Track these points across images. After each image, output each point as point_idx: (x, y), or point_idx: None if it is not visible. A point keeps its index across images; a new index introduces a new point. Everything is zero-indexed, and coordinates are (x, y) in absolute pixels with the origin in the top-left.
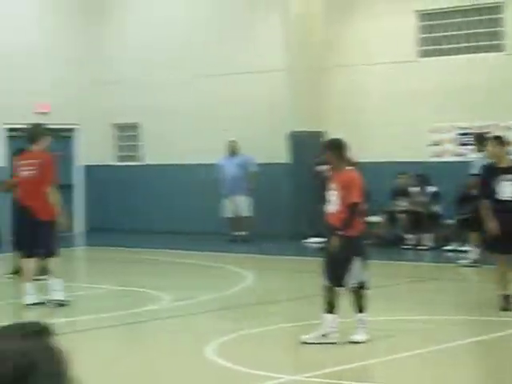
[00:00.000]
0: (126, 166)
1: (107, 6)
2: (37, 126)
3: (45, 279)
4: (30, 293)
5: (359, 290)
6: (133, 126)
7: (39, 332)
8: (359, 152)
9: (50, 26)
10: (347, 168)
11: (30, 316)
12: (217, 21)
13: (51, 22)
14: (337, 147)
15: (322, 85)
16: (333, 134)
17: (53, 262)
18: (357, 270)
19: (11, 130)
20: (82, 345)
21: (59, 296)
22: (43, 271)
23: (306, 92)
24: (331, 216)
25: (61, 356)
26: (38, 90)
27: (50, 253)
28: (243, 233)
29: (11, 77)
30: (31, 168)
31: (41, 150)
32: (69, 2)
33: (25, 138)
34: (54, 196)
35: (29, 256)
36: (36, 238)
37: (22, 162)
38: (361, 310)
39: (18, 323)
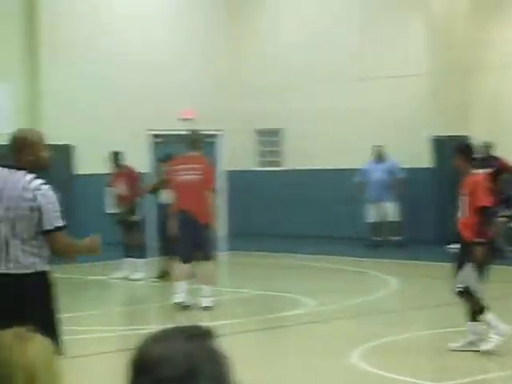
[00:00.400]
0: (267, 171)
1: (249, 11)
2: (198, 132)
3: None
4: (179, 292)
5: (464, 295)
6: (275, 132)
7: (202, 335)
8: (505, 156)
9: (194, 33)
10: (474, 172)
11: (178, 319)
12: (358, 24)
13: (197, 25)
14: (464, 151)
15: (467, 87)
16: (477, 137)
17: (208, 267)
18: (468, 275)
19: (156, 136)
20: (228, 349)
21: (207, 302)
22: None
23: (450, 95)
24: (460, 222)
25: (223, 359)
26: (182, 96)
27: (206, 256)
28: (388, 238)
29: (156, 83)
30: (194, 172)
31: (200, 155)
32: (216, 9)
33: (186, 144)
34: (212, 201)
35: (185, 259)
36: (194, 241)
37: (182, 166)
38: (474, 318)
39: (180, 326)
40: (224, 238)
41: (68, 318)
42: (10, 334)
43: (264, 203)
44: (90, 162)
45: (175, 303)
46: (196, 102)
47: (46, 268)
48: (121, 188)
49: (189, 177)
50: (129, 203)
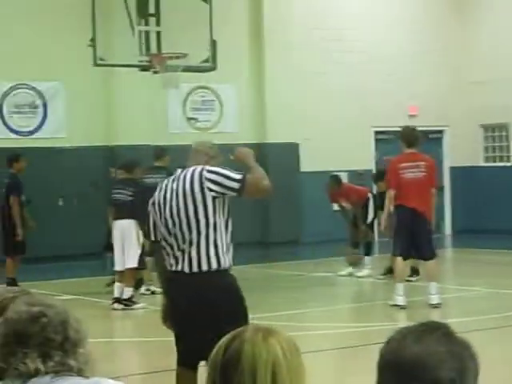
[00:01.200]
0: (493, 166)
1: (476, 2)
2: (414, 129)
3: (415, 280)
4: (399, 294)
5: None
6: (502, 126)
7: (450, 332)
8: None
9: (419, 26)
10: None
11: (404, 317)
12: None
13: (420, 22)
14: None
15: None
16: None
17: (432, 263)
18: None
19: (379, 132)
20: None
21: (436, 300)
22: (415, 272)
23: None
24: None
25: (476, 355)
26: (408, 91)
27: (431, 255)
28: None
29: (380, 80)
30: (419, 170)
31: (418, 152)
32: (439, 1)
33: (403, 140)
34: (434, 198)
35: (405, 257)
36: (419, 238)
37: (407, 163)
38: None
39: (424, 323)
40: (449, 235)
41: (294, 314)
42: (251, 329)
43: (488, 199)
44: (314, 160)
45: (395, 305)
46: (420, 97)
47: (228, 265)
48: (345, 205)
49: (414, 174)
50: (355, 211)
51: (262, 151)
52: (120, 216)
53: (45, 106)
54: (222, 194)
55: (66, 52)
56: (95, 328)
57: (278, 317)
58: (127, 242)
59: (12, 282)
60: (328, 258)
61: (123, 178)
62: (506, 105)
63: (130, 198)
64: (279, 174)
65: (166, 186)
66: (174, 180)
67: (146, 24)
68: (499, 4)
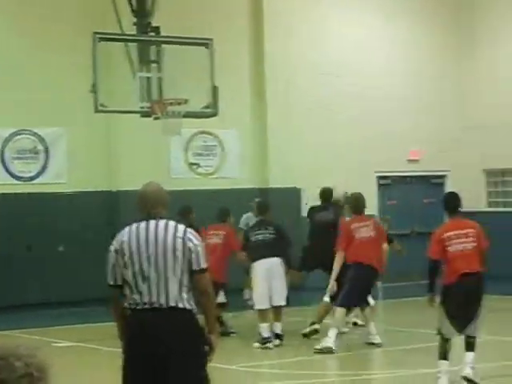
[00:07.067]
0: (498, 212)
1: (476, 46)
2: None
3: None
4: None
5: None
6: (504, 172)
7: None
8: None
9: (423, 74)
10: None
11: None
12: None
13: (423, 70)
14: None
15: None
16: None
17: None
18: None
19: (382, 177)
20: None
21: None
22: None
23: None
24: None
25: None
26: (410, 136)
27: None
28: None
29: (383, 123)
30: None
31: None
32: (438, 48)
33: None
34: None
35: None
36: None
37: (362, 223)
38: None
39: None
40: None
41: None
42: None
43: (494, 245)
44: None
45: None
46: (422, 142)
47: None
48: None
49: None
50: None
51: (264, 196)
52: (267, 254)
53: (46, 151)
54: (189, 261)
55: (67, 98)
56: None
57: None
58: (277, 279)
59: None
60: None
61: (262, 218)
62: (509, 150)
63: (273, 237)
64: (280, 219)
65: (135, 234)
66: (145, 229)
67: (148, 70)
68: (499, 54)
